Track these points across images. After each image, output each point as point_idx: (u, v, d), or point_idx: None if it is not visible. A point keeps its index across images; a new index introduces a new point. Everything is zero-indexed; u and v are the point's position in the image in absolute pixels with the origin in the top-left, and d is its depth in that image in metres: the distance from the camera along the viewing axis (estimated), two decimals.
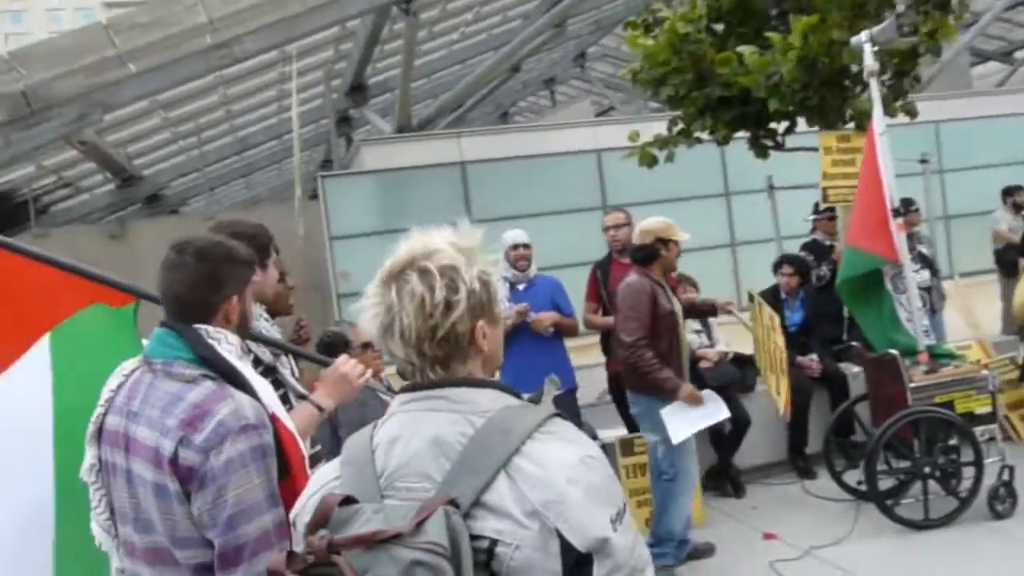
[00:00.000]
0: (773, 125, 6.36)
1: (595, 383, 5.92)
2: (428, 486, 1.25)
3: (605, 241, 5.46)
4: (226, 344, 1.87)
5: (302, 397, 2.47)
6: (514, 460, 1.23)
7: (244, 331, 1.99)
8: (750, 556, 4.58)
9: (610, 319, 5.17)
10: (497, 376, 1.48)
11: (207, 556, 1.76)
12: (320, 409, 2.33)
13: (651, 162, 6.72)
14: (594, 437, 5.35)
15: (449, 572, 1.13)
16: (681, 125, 6.56)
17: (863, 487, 4.83)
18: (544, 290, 5.14)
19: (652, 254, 4.47)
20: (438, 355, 1.32)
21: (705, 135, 6.52)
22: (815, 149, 6.55)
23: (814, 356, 5.99)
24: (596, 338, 5.57)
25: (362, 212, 12.77)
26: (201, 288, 1.87)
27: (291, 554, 1.17)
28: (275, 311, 2.83)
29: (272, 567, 1.17)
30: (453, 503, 1.19)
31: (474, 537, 1.20)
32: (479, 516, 1.21)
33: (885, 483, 4.82)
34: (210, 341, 1.85)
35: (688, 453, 4.49)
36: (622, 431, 5.32)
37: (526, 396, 1.41)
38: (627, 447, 5.05)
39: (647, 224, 4.52)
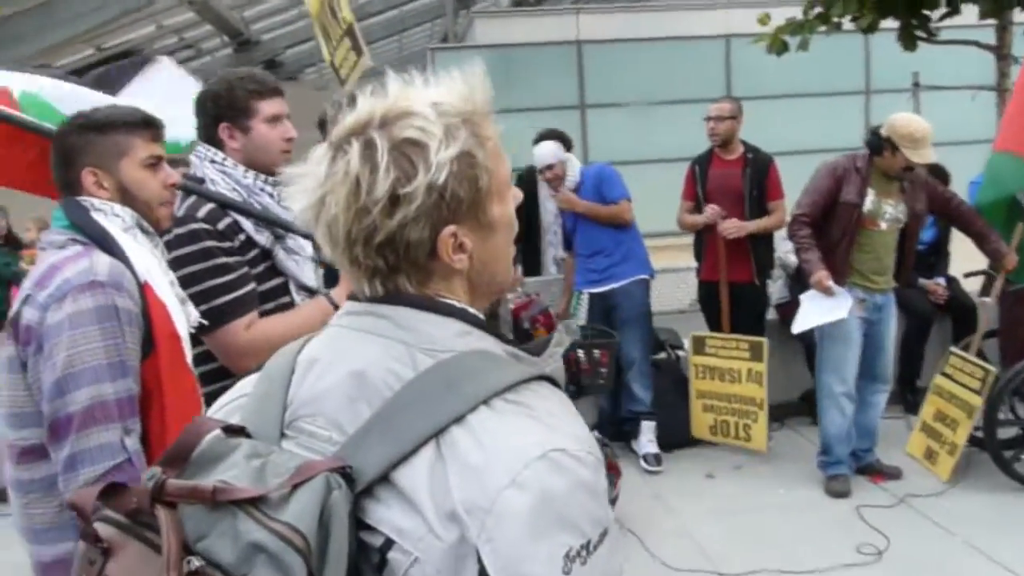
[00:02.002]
0: (928, 12, 5.51)
1: (689, 288, 5.43)
2: (336, 437, 0.87)
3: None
4: (112, 215, 1.73)
5: (308, 291, 2.16)
6: (452, 430, 0.82)
7: (129, 201, 1.77)
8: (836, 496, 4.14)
9: (701, 217, 4.67)
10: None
11: (40, 437, 1.59)
12: (335, 307, 2.01)
13: (781, 49, 6.02)
14: (676, 346, 4.94)
15: (298, 572, 0.75)
16: (819, 9, 5.79)
17: (980, 434, 4.25)
18: (588, 185, 4.67)
19: (874, 147, 4.02)
20: (378, 266, 0.91)
21: (847, 21, 5.74)
22: (975, 43, 5.66)
23: (941, 280, 5.30)
24: (690, 239, 5.05)
25: None
26: (56, 164, 1.77)
27: (113, 487, 0.82)
28: None
29: (75, 499, 0.83)
30: (345, 472, 0.81)
31: (366, 528, 0.82)
32: (383, 499, 0.82)
33: (1006, 433, 4.23)
34: (93, 212, 1.71)
35: (825, 364, 4.19)
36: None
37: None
38: (699, 345, 4.74)
39: (898, 118, 4.00)
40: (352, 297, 0.97)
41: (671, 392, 4.88)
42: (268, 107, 2.13)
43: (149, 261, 1.74)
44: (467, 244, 0.93)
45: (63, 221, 1.72)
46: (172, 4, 11.35)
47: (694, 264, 5.05)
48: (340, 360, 0.91)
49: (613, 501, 3.92)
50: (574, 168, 4.67)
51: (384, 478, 0.82)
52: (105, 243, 1.68)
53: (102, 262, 1.64)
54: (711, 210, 4.63)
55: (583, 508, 0.82)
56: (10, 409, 1.66)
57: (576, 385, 4.13)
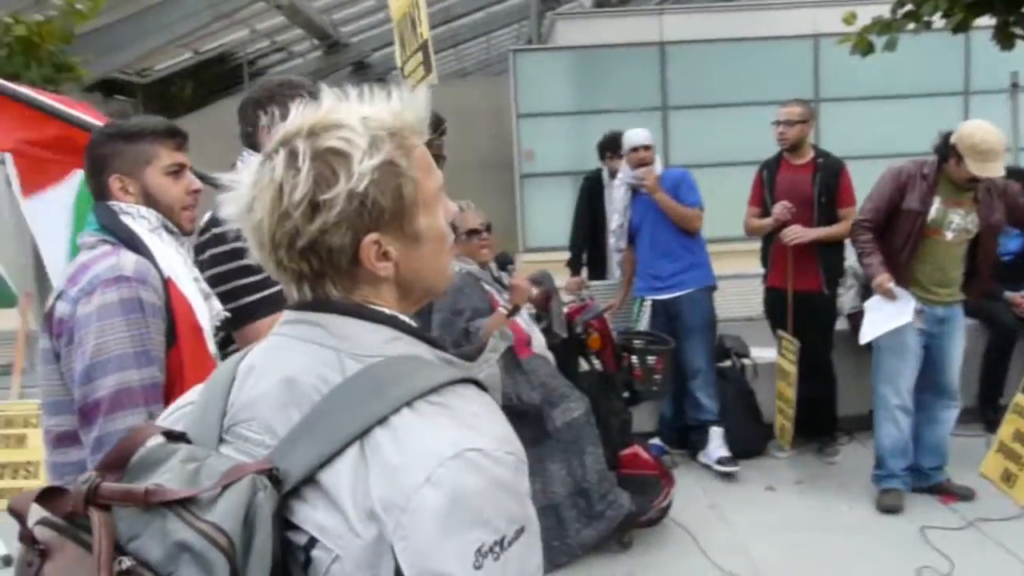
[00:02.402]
0: None
1: (757, 295, 5.29)
2: (269, 441, 0.90)
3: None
4: (139, 217, 1.84)
5: None
6: (375, 432, 0.85)
7: (154, 205, 1.88)
8: (905, 516, 3.98)
9: (769, 219, 4.54)
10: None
11: (73, 424, 1.68)
12: None
13: (867, 49, 5.78)
14: (742, 355, 4.83)
15: (223, 572, 0.78)
16: (909, 6, 5.54)
17: None
18: (665, 186, 4.59)
19: (941, 154, 3.89)
20: (303, 270, 0.94)
21: (937, 19, 5.48)
22: None
23: None
24: (758, 244, 4.92)
25: (552, 90, 12.31)
26: (88, 172, 1.90)
27: (51, 491, 0.86)
28: None
29: (13, 504, 0.85)
30: (272, 474, 0.84)
31: (293, 527, 0.85)
32: (309, 499, 0.85)
33: None
34: (122, 216, 1.82)
35: (881, 375, 4.07)
36: (773, 352, 4.74)
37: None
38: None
39: (966, 126, 3.85)
40: (299, 304, 0.99)
41: (735, 401, 4.78)
42: None
43: (173, 259, 1.83)
44: (391, 252, 0.95)
45: (94, 224, 1.84)
46: (263, 9, 11.73)
47: (761, 271, 4.92)
48: (274, 367, 0.94)
49: (666, 509, 3.86)
50: (656, 164, 4.63)
51: (311, 479, 0.85)
52: (131, 242, 1.79)
53: (128, 259, 1.74)
54: (780, 207, 4.49)
55: (497, 505, 0.84)
56: (48, 398, 1.78)
57: (630, 390, 4.08)
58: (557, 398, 3.55)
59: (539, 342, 3.75)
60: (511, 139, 12.46)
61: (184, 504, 0.81)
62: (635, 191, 4.70)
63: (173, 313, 1.76)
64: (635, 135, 4.69)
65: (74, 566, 0.82)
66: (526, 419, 3.50)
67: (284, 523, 0.85)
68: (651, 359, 4.03)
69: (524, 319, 3.70)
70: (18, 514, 0.85)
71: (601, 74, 12.08)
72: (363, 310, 0.95)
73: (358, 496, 0.83)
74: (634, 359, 4.05)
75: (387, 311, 0.97)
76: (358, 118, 0.93)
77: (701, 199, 4.63)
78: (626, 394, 4.07)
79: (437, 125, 2.93)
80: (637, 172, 4.59)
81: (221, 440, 0.93)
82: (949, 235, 3.89)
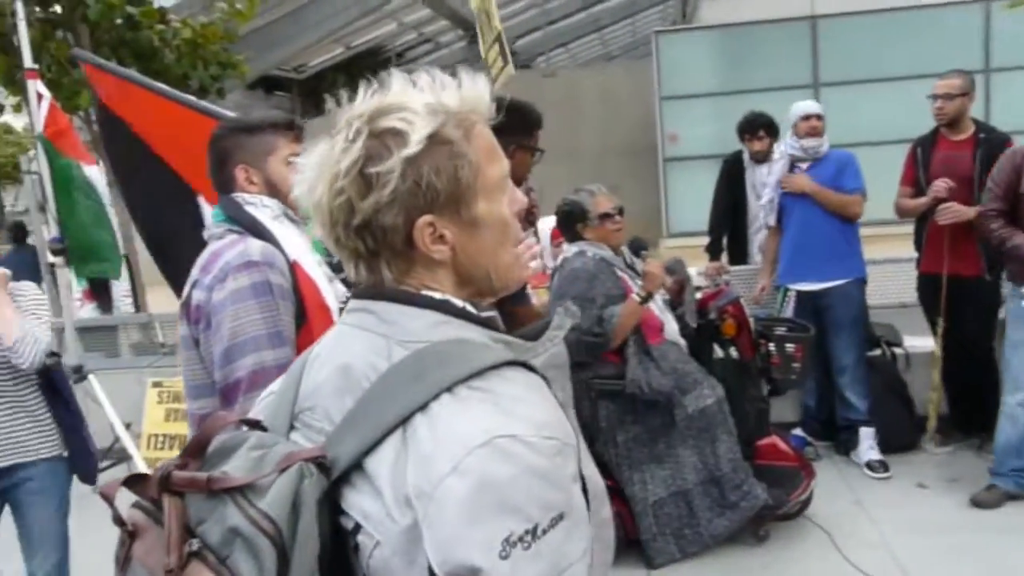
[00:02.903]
0: None
1: (910, 281, 4.97)
2: (327, 428, 0.93)
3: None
4: (261, 207, 1.92)
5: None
6: (416, 418, 0.86)
7: (275, 193, 1.97)
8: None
9: (925, 198, 4.25)
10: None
11: (215, 406, 1.77)
12: None
13: None
14: (894, 343, 4.58)
15: (269, 556, 0.82)
16: None
17: None
18: (829, 167, 4.35)
19: None
20: (359, 248, 0.95)
21: None
22: None
23: None
24: (911, 227, 4.63)
25: (697, 71, 12.03)
26: (212, 166, 1.98)
27: (137, 476, 0.92)
28: None
29: (104, 489, 0.92)
30: (319, 461, 0.87)
31: (344, 512, 0.88)
32: (357, 486, 0.88)
33: None
34: (246, 206, 1.91)
35: (1005, 370, 3.83)
36: (928, 341, 4.45)
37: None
38: None
39: None
40: (355, 293, 1.01)
41: (886, 393, 4.52)
42: None
43: (297, 243, 1.91)
44: (448, 236, 0.94)
45: (220, 216, 1.94)
46: (408, 2, 12.07)
47: (915, 255, 4.63)
48: (333, 355, 0.97)
49: (806, 503, 3.72)
50: (824, 141, 4.44)
51: (358, 466, 0.87)
52: (256, 230, 1.87)
53: (255, 245, 1.82)
54: (940, 183, 4.17)
55: (529, 493, 0.82)
56: (190, 382, 1.89)
57: (768, 379, 3.94)
58: (689, 384, 3.48)
59: (672, 329, 3.69)
60: (655, 122, 12.27)
61: (242, 491, 0.86)
62: (793, 165, 4.46)
63: (301, 294, 1.83)
64: (804, 105, 4.47)
65: (157, 545, 0.88)
66: (657, 406, 3.45)
67: (336, 508, 0.88)
68: (790, 347, 3.87)
69: (657, 305, 3.65)
70: (107, 497, 0.91)
71: (747, 52, 11.69)
72: (411, 295, 0.96)
73: (397, 483, 0.84)
74: (771, 346, 3.90)
75: (437, 296, 0.96)
76: (422, 103, 0.93)
77: (864, 185, 4.35)
78: (767, 385, 3.93)
79: (534, 119, 2.91)
80: (789, 179, 4.38)
81: (292, 427, 0.97)
82: None
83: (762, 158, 5.18)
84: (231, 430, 0.95)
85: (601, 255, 3.57)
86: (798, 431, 4.64)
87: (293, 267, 1.85)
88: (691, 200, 11.37)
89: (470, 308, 0.98)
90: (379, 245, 0.94)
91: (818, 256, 4.35)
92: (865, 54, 11.12)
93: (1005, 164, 3.79)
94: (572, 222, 3.61)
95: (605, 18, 18.05)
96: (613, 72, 15.55)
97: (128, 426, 4.92)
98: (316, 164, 0.95)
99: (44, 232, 5.10)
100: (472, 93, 0.96)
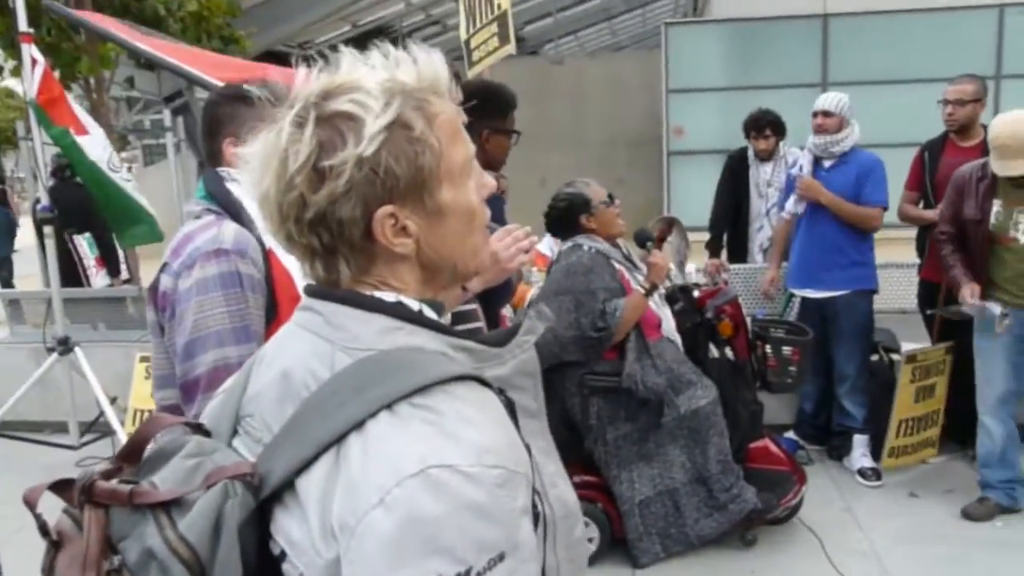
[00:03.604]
0: None
1: (911, 286, 4.92)
2: (266, 439, 0.85)
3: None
4: (243, 184, 1.75)
5: None
6: (350, 437, 0.77)
7: None
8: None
9: (928, 212, 4.18)
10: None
11: (178, 397, 1.67)
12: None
13: None
14: (891, 349, 4.52)
15: None
16: None
17: None
18: (851, 170, 4.20)
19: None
20: (313, 245, 0.86)
21: None
22: None
23: None
24: (914, 232, 4.56)
25: (705, 65, 11.91)
26: (204, 134, 1.84)
27: (65, 482, 0.84)
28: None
29: (27, 495, 0.84)
30: (246, 479, 0.78)
31: (272, 537, 0.80)
32: (289, 506, 0.79)
33: None
34: (228, 182, 1.77)
35: (977, 384, 3.80)
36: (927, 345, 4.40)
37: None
38: (911, 359, 4.29)
39: (997, 118, 3.52)
40: (306, 289, 0.93)
41: (881, 399, 4.46)
42: None
43: None
44: (411, 227, 0.86)
45: (201, 192, 1.81)
46: None
47: (917, 260, 4.56)
48: (276, 358, 0.89)
49: (796, 508, 3.66)
50: (790, 154, 4.33)
51: (291, 484, 0.79)
52: (234, 211, 1.74)
53: (229, 230, 1.70)
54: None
55: (463, 532, 0.73)
56: (156, 371, 1.79)
57: (762, 381, 3.88)
58: (683, 384, 3.42)
59: (669, 326, 3.62)
60: (661, 115, 12.18)
61: (166, 507, 0.78)
62: (817, 161, 4.28)
63: (274, 285, 1.71)
64: (821, 99, 4.25)
65: (80, 559, 0.80)
66: (648, 404, 3.39)
67: (264, 530, 0.80)
68: (787, 349, 3.81)
69: (655, 300, 3.58)
70: (30, 503, 0.83)
71: (757, 48, 11.58)
72: (360, 298, 0.87)
73: (324, 510, 0.76)
74: (768, 348, 3.84)
75: (390, 298, 0.87)
76: (376, 81, 0.85)
77: (887, 197, 4.19)
78: (759, 384, 3.87)
79: (507, 100, 2.78)
80: (804, 184, 4.21)
81: (235, 432, 0.89)
82: (1022, 238, 3.53)
83: (767, 156, 5.11)
84: (173, 432, 0.87)
85: (597, 248, 3.48)
86: (791, 434, 4.59)
87: (268, 255, 1.73)
88: (694, 195, 11.28)
89: (428, 311, 0.90)
90: (336, 240, 0.85)
91: (827, 265, 4.23)
92: (876, 55, 11.02)
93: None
94: (575, 214, 3.50)
95: (616, 7, 17.91)
96: (621, 62, 15.43)
97: (114, 400, 4.87)
98: (261, 154, 0.87)
99: (44, 198, 5.02)
100: (429, 69, 0.87)
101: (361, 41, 15.42)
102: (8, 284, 10.69)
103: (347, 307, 0.87)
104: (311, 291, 0.91)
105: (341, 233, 0.85)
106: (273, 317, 1.72)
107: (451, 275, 0.93)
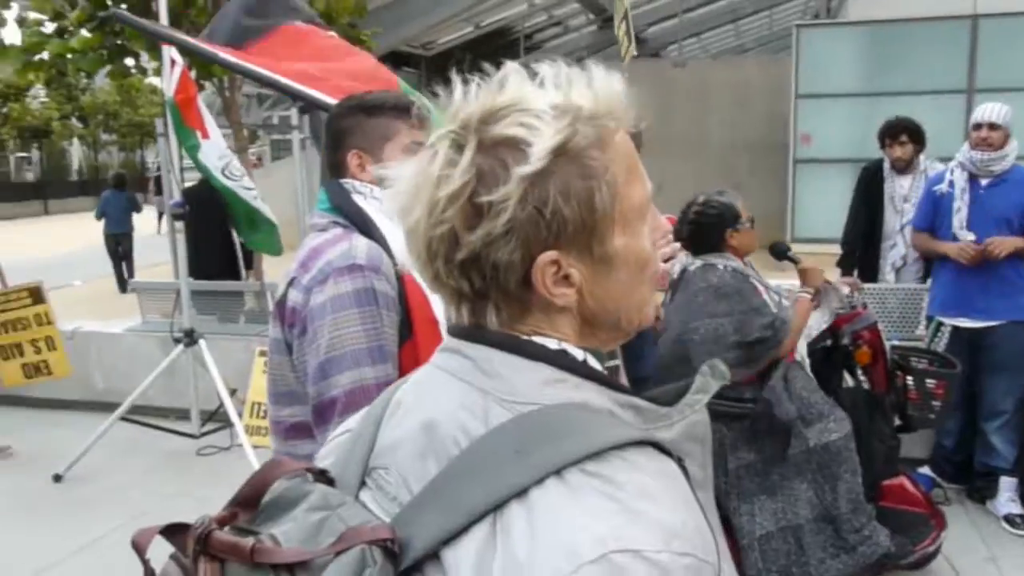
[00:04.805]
0: None
1: None
2: (402, 497, 0.75)
3: None
4: (371, 198, 1.70)
5: None
6: (511, 506, 0.67)
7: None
8: None
9: None
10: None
11: (306, 414, 1.59)
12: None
13: None
14: None
15: None
16: None
17: None
18: (1014, 191, 3.80)
19: None
20: (462, 288, 0.76)
21: None
22: None
23: None
24: None
25: (838, 69, 11.36)
26: (328, 146, 1.77)
27: (177, 527, 0.76)
28: None
29: (136, 538, 0.77)
30: (386, 546, 0.68)
31: None
32: None
33: None
34: (354, 195, 1.70)
35: None
36: None
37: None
38: None
39: None
40: (451, 330, 0.82)
41: None
42: None
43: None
44: (574, 276, 0.75)
45: (325, 204, 1.73)
46: None
47: None
48: (418, 406, 0.79)
49: (932, 556, 3.37)
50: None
51: (435, 555, 0.68)
52: (364, 226, 1.66)
53: (361, 245, 1.61)
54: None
55: None
56: (279, 388, 1.69)
57: (901, 415, 3.59)
58: (815, 416, 3.18)
59: (800, 347, 3.39)
60: (787, 121, 11.71)
61: (291, 569, 0.68)
62: (973, 177, 3.90)
63: (408, 305, 1.61)
64: (983, 110, 3.84)
65: None
66: (776, 433, 3.18)
67: None
68: (931, 382, 3.50)
69: None
70: (139, 548, 0.75)
71: (896, 52, 10.96)
72: (518, 342, 0.76)
73: None
74: (909, 380, 3.55)
75: (552, 344, 0.76)
76: (547, 103, 0.73)
77: None
78: (898, 421, 3.58)
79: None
80: (996, 244, 3.75)
81: (363, 483, 0.79)
82: None
83: (903, 167, 4.75)
84: (292, 477, 0.78)
85: (733, 266, 3.25)
86: (926, 469, 4.26)
87: (402, 277, 1.63)
88: (821, 205, 10.80)
89: (592, 361, 0.78)
90: (488, 285, 0.75)
91: (985, 291, 3.86)
92: None
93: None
94: (723, 227, 3.23)
95: (744, 8, 17.40)
96: (746, 66, 14.95)
97: (233, 392, 5.00)
98: (412, 180, 0.76)
99: (176, 194, 5.22)
100: (608, 91, 0.75)
101: (482, 42, 15.47)
102: (128, 257, 11.24)
103: (504, 353, 0.76)
104: (458, 332, 0.80)
105: (495, 278, 0.74)
106: (407, 337, 1.62)
107: (613, 329, 0.81)
